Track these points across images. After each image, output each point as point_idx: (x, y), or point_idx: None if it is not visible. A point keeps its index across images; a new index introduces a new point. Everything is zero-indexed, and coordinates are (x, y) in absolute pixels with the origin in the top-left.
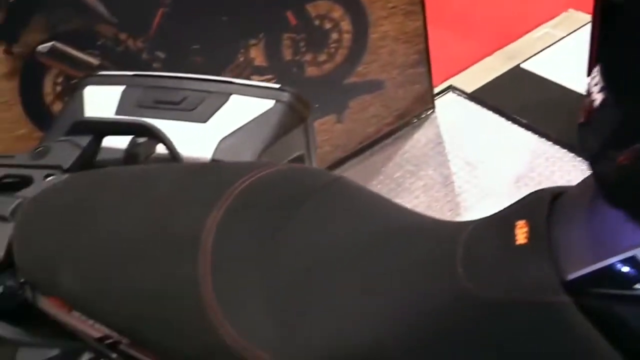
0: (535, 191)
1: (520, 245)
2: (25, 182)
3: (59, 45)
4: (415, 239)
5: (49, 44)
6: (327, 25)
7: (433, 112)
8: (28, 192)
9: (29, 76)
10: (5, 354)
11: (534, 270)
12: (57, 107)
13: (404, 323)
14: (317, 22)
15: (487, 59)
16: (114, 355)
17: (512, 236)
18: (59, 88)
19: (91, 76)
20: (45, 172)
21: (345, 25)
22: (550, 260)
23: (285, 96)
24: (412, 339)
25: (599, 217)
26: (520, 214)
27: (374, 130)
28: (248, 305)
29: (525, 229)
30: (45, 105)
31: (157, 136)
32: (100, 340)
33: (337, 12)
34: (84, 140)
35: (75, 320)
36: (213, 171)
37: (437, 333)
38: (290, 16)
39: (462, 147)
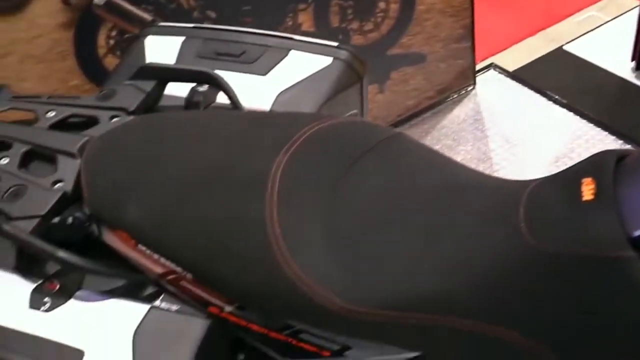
0: (601, 152)
1: (587, 201)
2: (91, 122)
3: None
4: (478, 193)
5: None
6: (381, 5)
7: (473, 88)
8: (94, 131)
9: (84, 28)
10: (73, 280)
11: (600, 225)
12: (109, 60)
13: (467, 270)
14: None
15: (530, 39)
16: (176, 291)
17: (578, 193)
18: (112, 42)
19: (152, 26)
20: (111, 113)
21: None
22: (616, 216)
23: (344, 54)
24: (474, 285)
25: None
26: (587, 172)
27: (413, 103)
28: (313, 246)
29: (592, 186)
30: (98, 58)
31: (220, 85)
32: (163, 275)
33: None
34: (148, 85)
35: (140, 255)
36: (278, 119)
37: (498, 282)
38: None
39: (501, 125)
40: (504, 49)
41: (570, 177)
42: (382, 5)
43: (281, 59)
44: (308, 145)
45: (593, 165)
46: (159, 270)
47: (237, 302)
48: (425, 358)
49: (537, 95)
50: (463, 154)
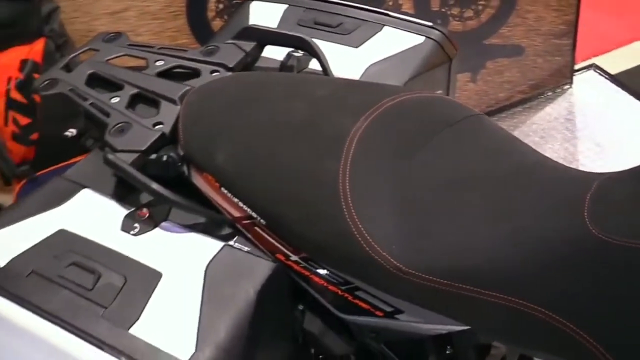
0: None
1: None
2: (194, 74)
3: None
4: (550, 179)
5: None
6: None
7: (570, 87)
8: (195, 82)
9: None
10: (161, 212)
11: None
12: (216, 23)
13: (528, 252)
14: None
15: (637, 43)
16: (248, 235)
17: None
18: (220, 6)
19: None
20: (212, 67)
21: None
22: None
23: (436, 34)
24: (533, 268)
25: None
26: None
27: (505, 96)
28: (379, 207)
29: None
30: (207, 20)
31: (314, 52)
32: (239, 219)
33: None
34: (249, 46)
35: (222, 198)
36: (364, 87)
37: (557, 267)
38: None
39: (593, 127)
40: (608, 51)
41: (638, 175)
42: None
43: (375, 34)
44: (389, 114)
45: None
46: (236, 214)
47: (302, 253)
48: (474, 333)
49: (637, 102)
50: (549, 153)
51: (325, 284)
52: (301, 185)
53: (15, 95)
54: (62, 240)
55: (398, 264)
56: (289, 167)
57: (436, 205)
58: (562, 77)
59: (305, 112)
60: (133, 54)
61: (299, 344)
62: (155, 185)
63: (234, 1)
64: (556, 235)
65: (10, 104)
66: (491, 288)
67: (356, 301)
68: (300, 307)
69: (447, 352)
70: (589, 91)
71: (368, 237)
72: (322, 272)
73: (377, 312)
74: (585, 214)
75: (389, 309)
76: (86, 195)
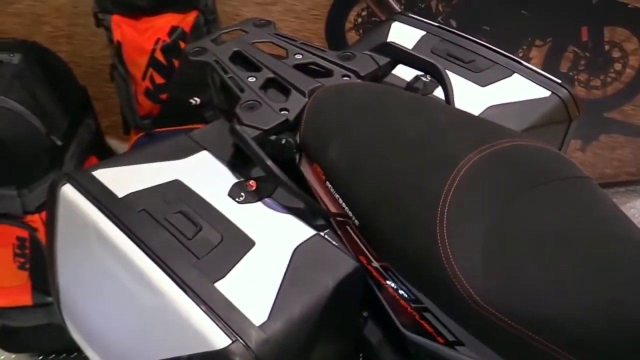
0: None
1: None
2: (327, 73)
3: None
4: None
5: None
6: (616, 54)
7: None
8: (326, 81)
9: (342, 1)
10: (267, 188)
11: None
12: (351, 35)
13: (614, 316)
14: (607, 47)
15: None
16: (339, 232)
17: None
18: (359, 20)
19: (401, 14)
20: (344, 72)
21: (634, 60)
22: None
23: (563, 92)
24: (617, 334)
25: None
26: None
27: (611, 173)
28: (471, 237)
29: None
30: (343, 30)
31: (442, 81)
32: (335, 215)
33: (632, 45)
34: (383, 60)
35: (324, 191)
36: (485, 122)
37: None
38: (584, 31)
39: None
40: None
41: None
42: (618, 66)
43: (503, 78)
44: (503, 154)
45: None
46: (333, 209)
47: (384, 261)
48: None
49: None
50: None
51: (397, 297)
52: (403, 195)
53: (159, 56)
54: (175, 189)
55: (476, 296)
56: (396, 176)
57: (529, 252)
58: None
59: (422, 129)
60: (277, 42)
61: (352, 349)
62: (269, 162)
63: (374, 18)
64: (631, 310)
65: (153, 62)
66: (568, 349)
67: (422, 322)
68: (365, 313)
69: None
70: None
71: (453, 263)
72: (398, 285)
73: (439, 338)
74: None
75: (451, 338)
76: (204, 156)
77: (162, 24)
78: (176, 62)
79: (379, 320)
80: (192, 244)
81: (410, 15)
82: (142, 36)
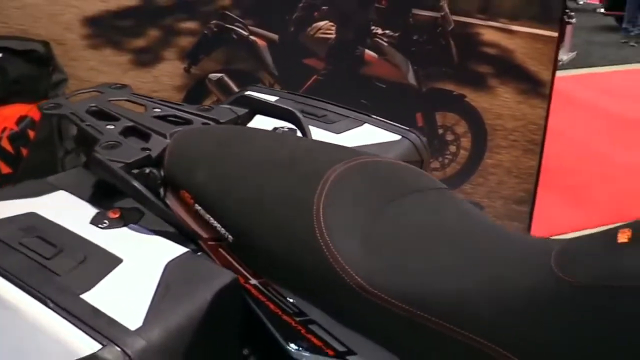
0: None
1: (622, 243)
2: (187, 122)
3: (226, 79)
4: (516, 238)
5: (219, 75)
6: (449, 137)
7: None
8: (187, 128)
9: (193, 94)
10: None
11: (634, 260)
12: None
13: (496, 292)
14: (440, 131)
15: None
16: (212, 256)
17: (614, 238)
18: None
19: (254, 85)
20: (204, 120)
21: (466, 142)
22: None
23: (412, 136)
24: (496, 305)
25: None
26: (624, 226)
27: None
28: (349, 232)
29: (628, 233)
30: None
31: (301, 127)
32: (206, 240)
33: (461, 128)
34: (241, 111)
35: (193, 217)
36: (343, 146)
37: (522, 308)
38: (418, 117)
39: None
40: (562, 233)
41: (607, 230)
42: (452, 148)
43: (356, 126)
44: (366, 166)
45: (631, 223)
46: (204, 235)
47: (261, 277)
48: None
49: None
50: None
51: (279, 313)
52: (277, 207)
53: (6, 145)
54: (31, 219)
55: (362, 282)
56: (268, 191)
57: (410, 244)
58: None
59: (287, 152)
60: (134, 100)
61: None
62: (136, 183)
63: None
64: (525, 281)
65: None
66: (455, 323)
67: (309, 335)
68: (246, 351)
69: None
70: None
71: (335, 252)
72: (279, 299)
73: (329, 351)
74: (552, 263)
75: (341, 349)
76: (62, 195)
77: (10, 112)
78: (24, 151)
79: (261, 355)
80: (52, 264)
81: (261, 86)
82: None
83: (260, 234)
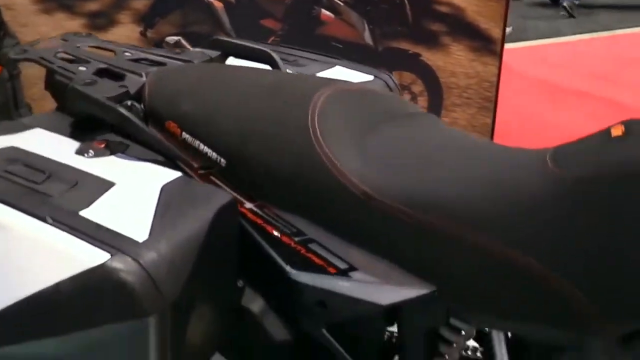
0: None
1: (616, 136)
2: (161, 64)
3: (183, 41)
4: (510, 149)
5: (176, 37)
6: (406, 97)
7: None
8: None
9: None
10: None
11: (627, 149)
12: None
13: (498, 191)
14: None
15: None
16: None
17: (608, 134)
18: None
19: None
20: (178, 62)
21: (422, 101)
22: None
23: (385, 76)
24: (495, 201)
25: None
26: (616, 124)
27: None
28: (346, 143)
29: (622, 128)
30: None
31: (276, 64)
32: (197, 170)
33: (418, 87)
34: (214, 54)
35: (181, 147)
36: (318, 77)
37: (521, 204)
38: None
39: None
40: None
41: (599, 131)
42: None
43: (327, 68)
44: (354, 89)
45: (623, 121)
46: (194, 164)
47: (257, 200)
48: (439, 292)
49: None
50: None
51: (278, 234)
52: (270, 127)
53: None
54: (14, 152)
55: (366, 189)
56: (257, 112)
57: (409, 156)
58: None
59: (271, 80)
60: (103, 45)
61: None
62: (123, 110)
63: None
64: (525, 181)
65: None
66: (461, 221)
67: (309, 255)
68: (241, 283)
69: (392, 339)
70: None
71: (337, 163)
72: (277, 220)
73: (330, 269)
74: (548, 158)
75: (342, 266)
76: (40, 131)
77: None
78: None
79: (257, 287)
80: (43, 187)
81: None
82: None
83: (256, 153)
